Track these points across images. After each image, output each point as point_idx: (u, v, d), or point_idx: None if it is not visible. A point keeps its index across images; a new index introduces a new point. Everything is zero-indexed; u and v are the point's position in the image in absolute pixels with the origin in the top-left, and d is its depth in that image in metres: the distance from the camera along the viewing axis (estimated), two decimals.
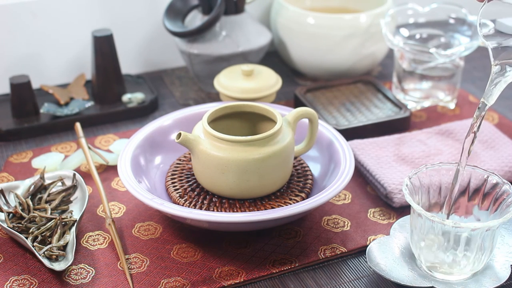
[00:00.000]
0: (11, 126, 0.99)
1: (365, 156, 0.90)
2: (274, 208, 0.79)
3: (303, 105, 1.01)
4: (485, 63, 1.21)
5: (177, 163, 0.87)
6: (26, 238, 0.76)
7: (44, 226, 0.77)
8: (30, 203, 0.80)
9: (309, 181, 0.84)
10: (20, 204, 0.81)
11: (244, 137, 0.77)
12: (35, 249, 0.75)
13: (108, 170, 0.91)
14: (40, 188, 0.83)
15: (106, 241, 0.79)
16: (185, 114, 0.91)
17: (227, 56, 1.04)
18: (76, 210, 0.82)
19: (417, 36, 1.06)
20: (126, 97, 1.05)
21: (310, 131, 0.84)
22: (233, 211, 0.79)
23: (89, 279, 0.74)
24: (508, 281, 0.72)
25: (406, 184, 0.71)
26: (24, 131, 0.99)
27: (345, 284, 0.74)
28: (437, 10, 1.06)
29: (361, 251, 0.78)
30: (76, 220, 0.79)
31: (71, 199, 0.83)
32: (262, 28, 1.09)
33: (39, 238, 0.76)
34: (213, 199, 0.81)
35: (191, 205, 0.80)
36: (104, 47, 1.02)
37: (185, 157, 0.88)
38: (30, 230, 0.77)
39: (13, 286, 0.73)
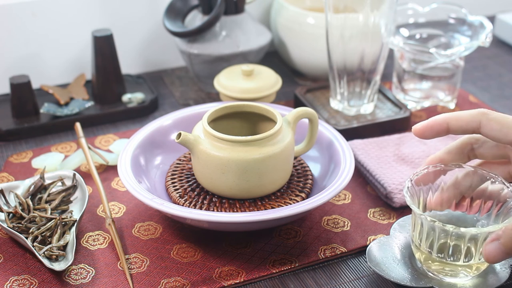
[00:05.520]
0: (11, 126, 0.99)
1: (365, 156, 0.90)
2: (274, 208, 0.79)
3: (303, 105, 1.01)
4: (485, 63, 1.21)
5: (177, 163, 0.87)
6: (26, 238, 0.76)
7: (44, 226, 0.77)
8: (30, 203, 0.80)
9: (309, 181, 0.84)
10: (20, 204, 0.81)
11: (244, 137, 0.77)
12: (35, 249, 0.75)
13: (108, 170, 0.91)
14: (40, 188, 0.83)
15: (106, 241, 0.79)
16: (185, 114, 0.91)
17: (227, 56, 1.04)
18: (76, 210, 0.82)
19: (417, 36, 1.06)
20: (126, 97, 1.05)
21: (310, 131, 0.84)
22: (233, 211, 0.79)
23: (89, 279, 0.74)
24: (508, 281, 0.72)
25: (407, 186, 0.71)
26: (24, 131, 0.99)
27: (345, 284, 0.74)
28: (437, 10, 1.06)
29: (361, 251, 0.78)
30: (76, 220, 0.79)
31: (71, 199, 0.83)
32: (262, 28, 1.09)
33: (39, 238, 0.76)
34: (213, 199, 0.81)
35: (191, 205, 0.80)
36: (104, 47, 1.02)
37: (185, 157, 0.88)
38: (30, 230, 0.77)
39: (13, 286, 0.73)
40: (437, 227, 0.67)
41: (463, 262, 0.69)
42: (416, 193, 0.72)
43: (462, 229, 0.66)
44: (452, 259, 0.69)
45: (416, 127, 0.72)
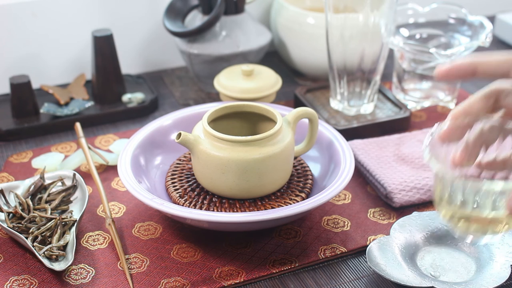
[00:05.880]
0: (11, 126, 0.99)
1: (365, 156, 0.90)
2: (274, 208, 0.79)
3: (303, 105, 1.01)
4: None
5: (177, 163, 0.87)
6: (26, 238, 0.76)
7: (44, 226, 0.77)
8: (30, 203, 0.80)
9: (309, 181, 0.84)
10: (20, 204, 0.81)
11: (244, 137, 0.77)
12: (35, 249, 0.75)
13: (108, 170, 0.91)
14: (40, 188, 0.83)
15: (106, 241, 0.79)
16: (185, 114, 0.91)
17: (227, 56, 1.04)
18: (76, 210, 0.82)
19: (417, 36, 1.06)
20: (126, 97, 1.05)
21: (310, 131, 0.84)
22: (233, 211, 0.79)
23: (89, 279, 0.74)
24: (508, 281, 0.72)
25: (427, 142, 0.66)
26: (24, 131, 0.99)
27: (345, 284, 0.74)
28: (437, 10, 1.06)
29: (361, 251, 0.78)
30: (76, 220, 0.79)
31: (71, 199, 0.83)
32: (262, 28, 1.09)
33: (39, 238, 0.76)
34: (213, 199, 0.81)
35: (191, 205, 0.80)
36: (104, 47, 1.02)
37: (185, 157, 0.88)
38: (30, 230, 0.77)
39: (13, 286, 0.73)
40: (459, 184, 0.64)
41: (490, 216, 0.64)
42: (438, 150, 0.67)
43: (485, 185, 0.62)
44: (478, 213, 0.64)
45: (440, 68, 0.66)
